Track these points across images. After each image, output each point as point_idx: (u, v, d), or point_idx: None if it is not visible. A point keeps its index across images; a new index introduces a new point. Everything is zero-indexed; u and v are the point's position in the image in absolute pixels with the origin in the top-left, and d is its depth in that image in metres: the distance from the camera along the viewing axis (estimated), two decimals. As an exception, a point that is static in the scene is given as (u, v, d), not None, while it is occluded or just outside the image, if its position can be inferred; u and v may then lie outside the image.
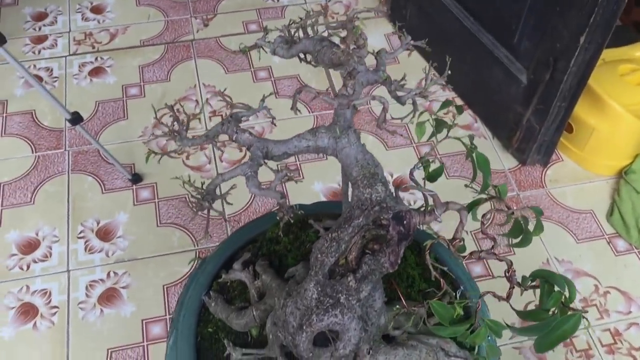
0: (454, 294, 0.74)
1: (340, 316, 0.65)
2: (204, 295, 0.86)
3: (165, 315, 1.57)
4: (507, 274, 0.66)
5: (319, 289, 0.66)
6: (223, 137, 0.77)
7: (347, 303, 0.65)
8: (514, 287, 0.65)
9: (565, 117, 1.70)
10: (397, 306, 0.70)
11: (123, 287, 1.61)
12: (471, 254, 0.67)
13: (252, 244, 0.92)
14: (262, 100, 0.75)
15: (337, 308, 0.65)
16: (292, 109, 0.72)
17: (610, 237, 1.75)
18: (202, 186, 0.71)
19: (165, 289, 1.61)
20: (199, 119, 1.97)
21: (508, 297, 0.65)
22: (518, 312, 0.68)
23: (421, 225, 0.68)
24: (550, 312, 0.63)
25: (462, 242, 0.68)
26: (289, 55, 0.78)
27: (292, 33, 0.77)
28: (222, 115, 1.98)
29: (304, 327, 0.65)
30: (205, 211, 0.69)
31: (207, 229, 0.74)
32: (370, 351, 0.69)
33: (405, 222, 0.66)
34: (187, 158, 1.87)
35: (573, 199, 1.81)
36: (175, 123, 0.72)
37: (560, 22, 1.51)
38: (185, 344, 0.81)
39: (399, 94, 0.68)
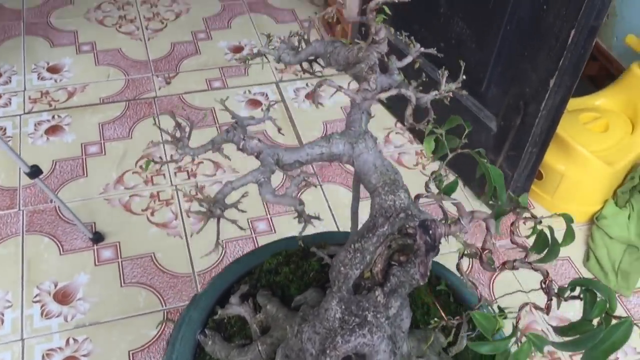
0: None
1: (370, 336, 0.58)
2: (199, 334, 0.77)
3: (131, 382, 1.44)
4: (543, 285, 0.61)
5: (343, 306, 0.59)
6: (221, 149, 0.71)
7: (375, 321, 0.58)
8: (552, 299, 0.60)
9: (537, 163, 1.71)
10: (435, 319, 0.63)
11: (84, 355, 1.46)
12: (504, 264, 0.62)
13: (248, 276, 0.84)
14: (267, 109, 0.71)
15: (364, 327, 0.58)
16: (314, 102, 0.67)
17: (589, 282, 1.73)
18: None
19: (131, 355, 1.48)
20: (164, 175, 1.89)
21: (547, 310, 0.60)
22: (556, 328, 0.63)
23: (446, 237, 0.63)
24: (595, 323, 0.58)
25: (491, 253, 0.63)
26: (297, 61, 0.74)
27: (297, 41, 0.73)
28: (187, 171, 1.91)
29: (328, 352, 0.57)
30: (215, 221, 0.62)
31: (218, 239, 0.65)
32: (401, 377, 0.61)
33: (431, 231, 0.61)
34: (152, 214, 1.78)
35: (548, 245, 1.80)
36: (177, 130, 0.65)
37: (529, 66, 1.54)
38: (182, 388, 0.71)
39: (418, 96, 0.64)
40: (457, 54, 1.76)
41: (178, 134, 0.64)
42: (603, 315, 0.57)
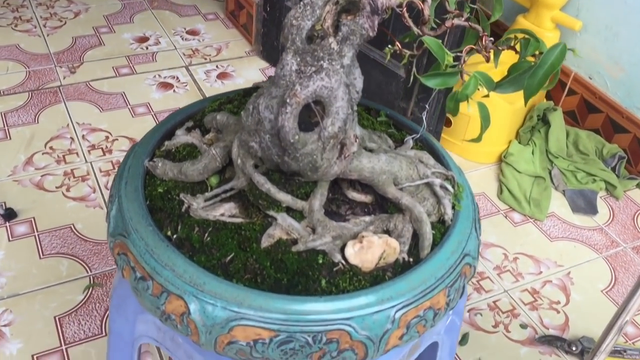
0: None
1: (327, 79, 0.59)
2: (148, 161, 0.75)
3: (61, 345, 1.34)
4: (480, 45, 0.65)
5: (299, 58, 0.59)
6: None
7: (331, 67, 0.59)
8: (489, 51, 0.64)
9: (444, 103, 1.80)
10: (389, 46, 0.65)
11: (5, 325, 1.36)
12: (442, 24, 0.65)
13: (191, 119, 0.83)
14: None
15: (321, 72, 0.59)
16: None
17: (506, 212, 1.83)
18: None
19: (57, 320, 1.39)
20: (77, 153, 1.83)
21: (487, 59, 0.64)
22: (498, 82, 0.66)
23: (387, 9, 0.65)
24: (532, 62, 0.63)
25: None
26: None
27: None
28: (102, 148, 1.86)
29: (288, 101, 0.58)
30: None
31: None
32: (357, 139, 0.63)
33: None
34: (68, 190, 1.70)
35: (465, 184, 1.89)
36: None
37: (429, 4, 1.64)
38: (134, 205, 0.68)
39: None
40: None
41: None
42: (537, 53, 0.62)
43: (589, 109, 2.07)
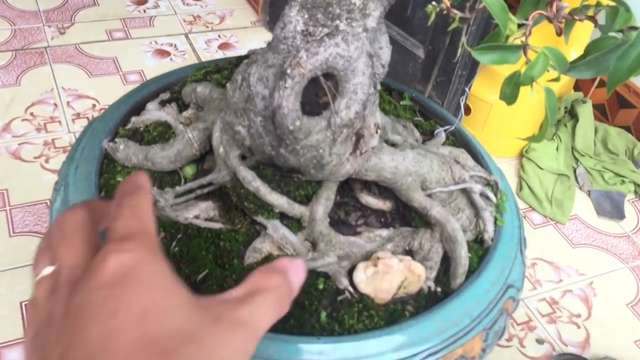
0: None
1: (344, 45, 0.42)
2: (107, 142, 0.59)
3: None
4: (550, 11, 0.48)
5: (306, 15, 0.43)
6: None
7: (350, 29, 0.43)
8: (561, 21, 0.47)
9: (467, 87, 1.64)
10: (433, 3, 0.48)
11: (-37, 311, 1.21)
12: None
13: (168, 90, 0.67)
14: None
15: (337, 36, 0.42)
16: None
17: (525, 212, 1.67)
18: None
19: (23, 306, 1.24)
20: (59, 122, 1.67)
21: (560, 34, 0.47)
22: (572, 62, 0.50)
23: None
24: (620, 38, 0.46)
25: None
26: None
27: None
28: (87, 118, 1.69)
29: (289, 72, 0.42)
30: None
31: None
32: (378, 129, 0.46)
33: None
34: (47, 162, 1.55)
35: (482, 179, 1.73)
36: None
37: (457, -23, 1.47)
38: (84, 197, 0.53)
39: None
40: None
41: None
42: (626, 27, 0.45)
43: (620, 104, 1.90)
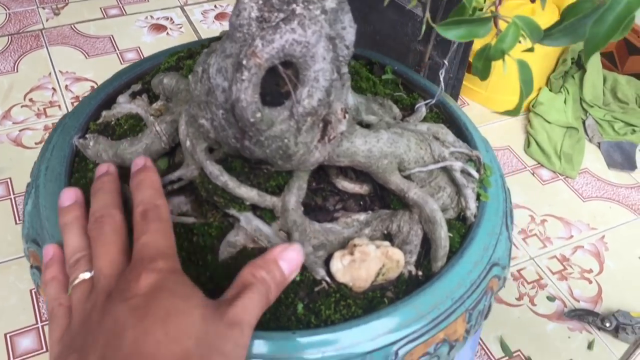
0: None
1: (301, 30, 0.40)
2: (77, 138, 0.58)
3: (37, 323, 1.22)
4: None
5: (261, 0, 0.41)
6: None
7: (307, 13, 0.41)
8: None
9: (468, 45, 1.59)
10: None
11: (-25, 301, 1.23)
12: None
13: (140, 80, 0.65)
14: None
15: (292, 21, 0.40)
16: None
17: (534, 168, 1.64)
18: None
19: (33, 294, 1.26)
20: (59, 106, 1.66)
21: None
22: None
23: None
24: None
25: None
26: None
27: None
28: (87, 100, 1.68)
29: (245, 63, 0.40)
30: None
31: None
32: (346, 114, 0.45)
33: None
34: (48, 147, 1.55)
35: (488, 139, 1.70)
36: None
37: None
38: (54, 199, 0.52)
39: None
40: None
41: None
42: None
43: (629, 51, 1.84)
